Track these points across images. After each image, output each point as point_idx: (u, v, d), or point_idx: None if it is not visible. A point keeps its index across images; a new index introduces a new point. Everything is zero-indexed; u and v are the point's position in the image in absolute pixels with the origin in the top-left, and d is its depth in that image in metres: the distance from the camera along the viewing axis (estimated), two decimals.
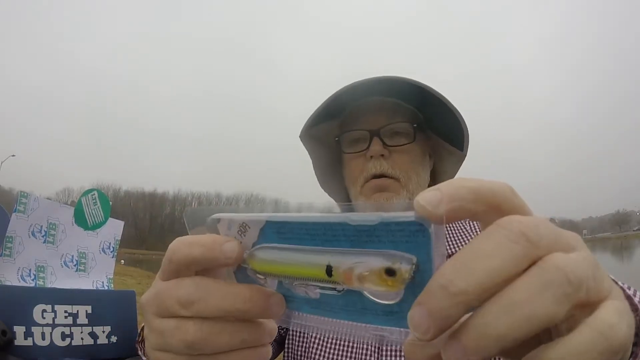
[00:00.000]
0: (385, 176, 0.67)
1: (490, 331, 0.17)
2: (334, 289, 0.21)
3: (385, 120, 0.69)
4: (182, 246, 0.25)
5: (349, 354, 0.64)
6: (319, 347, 0.67)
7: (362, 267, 0.19)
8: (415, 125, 0.69)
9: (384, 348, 0.60)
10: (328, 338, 0.67)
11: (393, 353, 0.60)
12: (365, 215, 0.19)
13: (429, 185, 0.72)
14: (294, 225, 0.22)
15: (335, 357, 0.65)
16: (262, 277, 0.24)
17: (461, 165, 0.75)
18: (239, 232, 0.24)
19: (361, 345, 0.63)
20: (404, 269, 0.18)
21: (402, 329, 0.20)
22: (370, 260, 0.19)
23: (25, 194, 0.72)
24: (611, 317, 0.18)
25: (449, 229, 0.71)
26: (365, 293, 0.20)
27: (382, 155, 0.67)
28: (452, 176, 0.75)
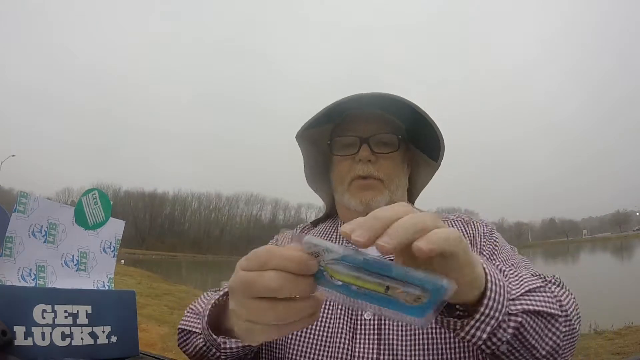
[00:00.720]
0: (371, 177, 0.78)
1: (397, 228, 0.35)
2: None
3: (374, 130, 0.79)
4: (275, 258, 0.36)
5: (325, 330, 0.71)
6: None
7: (406, 292, 0.35)
8: (399, 136, 0.80)
9: (358, 329, 0.69)
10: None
11: (365, 333, 0.69)
12: (418, 274, 0.34)
13: (408, 190, 0.87)
14: (365, 262, 0.36)
15: (312, 334, 0.71)
16: (334, 279, 0.36)
17: (434, 173, 0.89)
18: (323, 251, 0.36)
19: (337, 330, 0.70)
20: (426, 298, 0.35)
21: (411, 316, 0.36)
22: (410, 290, 0.35)
23: (25, 194, 0.72)
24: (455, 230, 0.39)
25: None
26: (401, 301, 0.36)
27: (369, 160, 0.78)
28: (426, 183, 0.91)
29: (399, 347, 0.67)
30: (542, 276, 0.68)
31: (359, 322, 0.69)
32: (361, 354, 0.67)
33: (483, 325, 0.46)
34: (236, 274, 0.40)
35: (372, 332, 0.68)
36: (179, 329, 0.74)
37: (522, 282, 0.53)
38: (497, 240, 0.78)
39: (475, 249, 0.76)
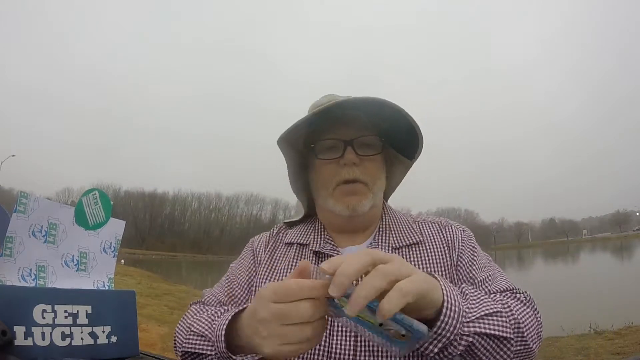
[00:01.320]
0: (357, 181, 0.77)
1: (359, 296, 0.44)
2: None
3: (357, 132, 0.79)
4: (306, 290, 0.47)
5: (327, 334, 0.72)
6: None
7: (394, 329, 0.47)
8: (382, 139, 0.80)
9: (335, 327, 0.71)
10: None
11: (342, 331, 0.70)
12: (407, 320, 0.47)
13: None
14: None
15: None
16: (343, 307, 0.46)
17: (407, 172, 0.89)
18: None
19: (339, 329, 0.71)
20: (409, 337, 0.47)
21: (394, 346, 0.48)
22: (398, 328, 0.47)
23: (25, 194, 0.72)
24: (405, 284, 0.47)
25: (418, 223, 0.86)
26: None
27: (354, 163, 0.77)
28: (400, 181, 0.91)
29: (376, 345, 0.68)
30: (513, 289, 0.73)
31: (335, 320, 0.70)
32: (338, 352, 0.69)
33: (435, 342, 0.55)
34: (267, 306, 0.49)
35: (349, 330, 0.69)
36: (182, 352, 0.74)
37: (480, 306, 0.61)
38: (475, 247, 0.81)
39: (454, 252, 0.78)
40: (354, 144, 0.78)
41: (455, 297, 0.56)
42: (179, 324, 0.80)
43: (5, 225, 0.70)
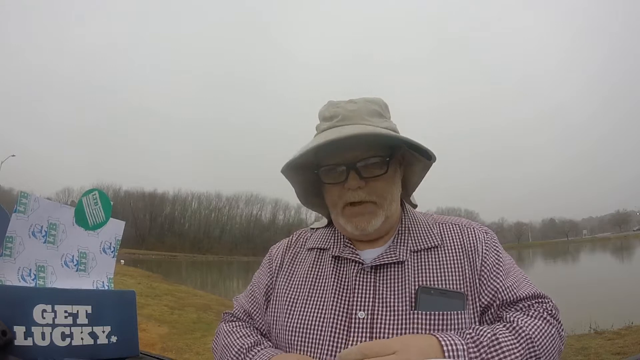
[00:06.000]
0: (364, 202, 0.76)
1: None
2: None
3: (361, 154, 0.76)
4: None
5: (321, 328, 0.73)
6: (293, 317, 0.77)
7: None
8: (387, 159, 0.77)
9: (353, 327, 0.72)
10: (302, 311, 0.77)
11: (358, 331, 0.72)
12: None
13: (404, 186, 0.85)
14: None
15: (309, 332, 0.74)
16: None
17: (429, 169, 0.84)
18: None
19: (332, 328, 0.73)
20: None
21: None
22: None
23: (26, 194, 0.73)
24: None
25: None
26: None
27: (359, 187, 0.75)
28: (421, 179, 0.86)
29: None
30: (539, 295, 0.75)
31: (353, 321, 0.72)
32: None
33: None
34: None
35: (365, 330, 0.72)
36: None
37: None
38: (499, 251, 0.79)
39: (477, 257, 0.76)
40: (358, 167, 0.75)
41: None
42: (215, 341, 0.85)
43: (5, 225, 0.70)
